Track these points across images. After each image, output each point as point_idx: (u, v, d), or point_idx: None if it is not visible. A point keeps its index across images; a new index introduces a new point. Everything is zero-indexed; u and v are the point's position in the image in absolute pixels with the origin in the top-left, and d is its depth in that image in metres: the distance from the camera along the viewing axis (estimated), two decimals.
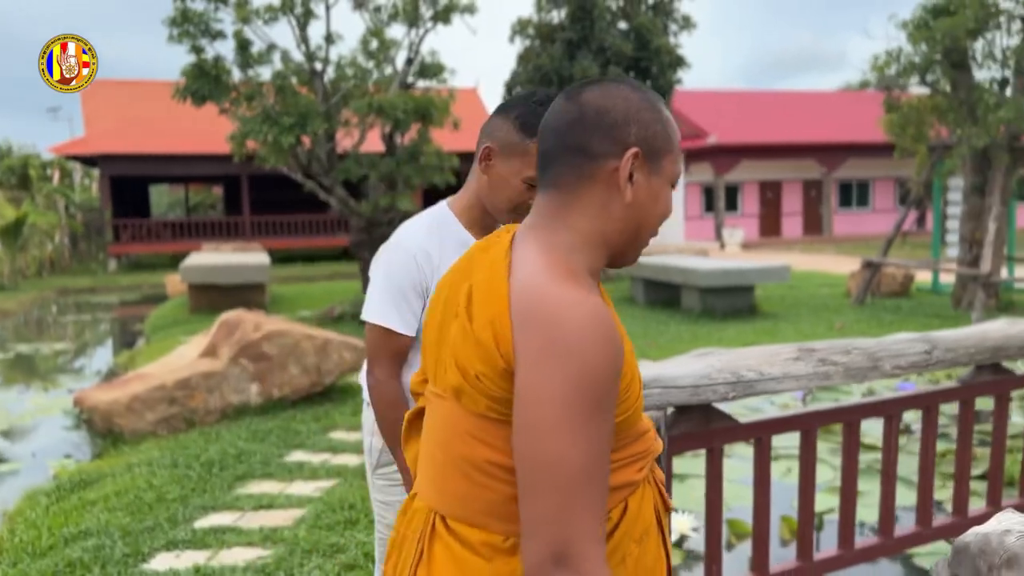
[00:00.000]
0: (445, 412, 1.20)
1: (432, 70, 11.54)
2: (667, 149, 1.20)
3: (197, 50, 10.20)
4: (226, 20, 10.46)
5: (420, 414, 1.43)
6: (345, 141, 11.55)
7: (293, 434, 5.79)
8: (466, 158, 12.51)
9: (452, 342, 1.18)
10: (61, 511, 4.48)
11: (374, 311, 2.00)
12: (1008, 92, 11.26)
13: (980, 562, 1.21)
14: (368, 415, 2.19)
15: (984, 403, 3.76)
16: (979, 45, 11.39)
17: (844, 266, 18.09)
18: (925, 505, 3.01)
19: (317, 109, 10.44)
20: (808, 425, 2.70)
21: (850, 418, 2.80)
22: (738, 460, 5.01)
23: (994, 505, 3.20)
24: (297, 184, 12.25)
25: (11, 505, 4.94)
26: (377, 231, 11.23)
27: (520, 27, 16.68)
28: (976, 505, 3.31)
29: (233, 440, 5.60)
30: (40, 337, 13.50)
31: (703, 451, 2.53)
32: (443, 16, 11.18)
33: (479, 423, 1.15)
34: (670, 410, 2.40)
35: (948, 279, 13.52)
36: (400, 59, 11.66)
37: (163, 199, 40.50)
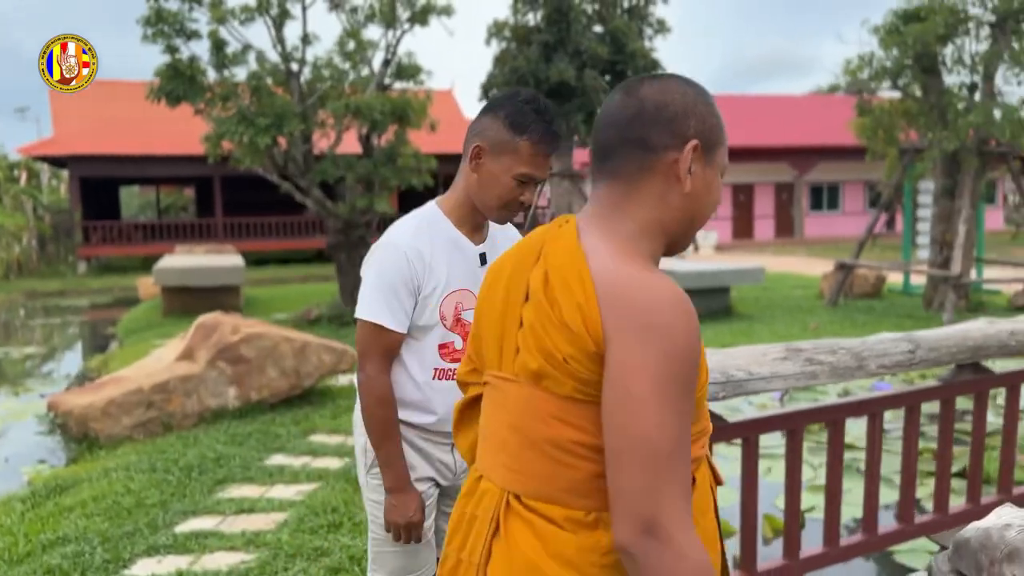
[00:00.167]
0: (519, 396, 1.23)
1: (409, 71, 11.50)
2: (720, 141, 1.27)
3: (172, 50, 10.08)
4: (201, 20, 10.36)
5: (471, 404, 1.46)
6: (321, 142, 11.48)
7: (273, 437, 5.74)
8: (442, 159, 12.51)
9: (529, 327, 1.21)
10: (37, 517, 4.40)
11: (366, 308, 2.01)
12: (977, 97, 11.47)
13: (982, 556, 1.23)
14: (360, 416, 2.18)
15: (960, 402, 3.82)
16: (949, 50, 11.59)
17: (816, 268, 18.31)
18: (907, 502, 3.05)
19: (293, 110, 10.36)
20: (795, 424, 2.73)
21: (835, 417, 2.84)
22: (719, 460, 5.05)
23: (974, 502, 3.25)
24: (270, 186, 12.16)
25: None
26: (354, 233, 11.17)
27: (496, 29, 16.66)
28: (955, 502, 3.36)
29: (212, 444, 5.54)
30: (8, 341, 13.26)
31: None
32: (420, 18, 11.16)
33: (564, 405, 1.18)
34: None
35: (919, 280, 13.74)
36: (377, 60, 11.62)
37: (133, 201, 39.97)
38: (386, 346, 2.02)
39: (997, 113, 10.97)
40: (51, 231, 25.43)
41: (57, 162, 24.85)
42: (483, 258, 2.12)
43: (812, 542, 3.01)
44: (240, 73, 10.68)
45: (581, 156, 23.82)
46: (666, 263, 12.78)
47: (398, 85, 11.80)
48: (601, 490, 1.16)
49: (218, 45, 10.19)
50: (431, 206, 2.13)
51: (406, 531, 2.05)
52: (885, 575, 3.93)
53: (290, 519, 4.18)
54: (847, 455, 4.87)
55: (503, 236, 2.22)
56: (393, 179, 11.09)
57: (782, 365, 2.52)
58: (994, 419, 5.10)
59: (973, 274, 12.20)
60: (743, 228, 29.20)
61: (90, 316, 16.07)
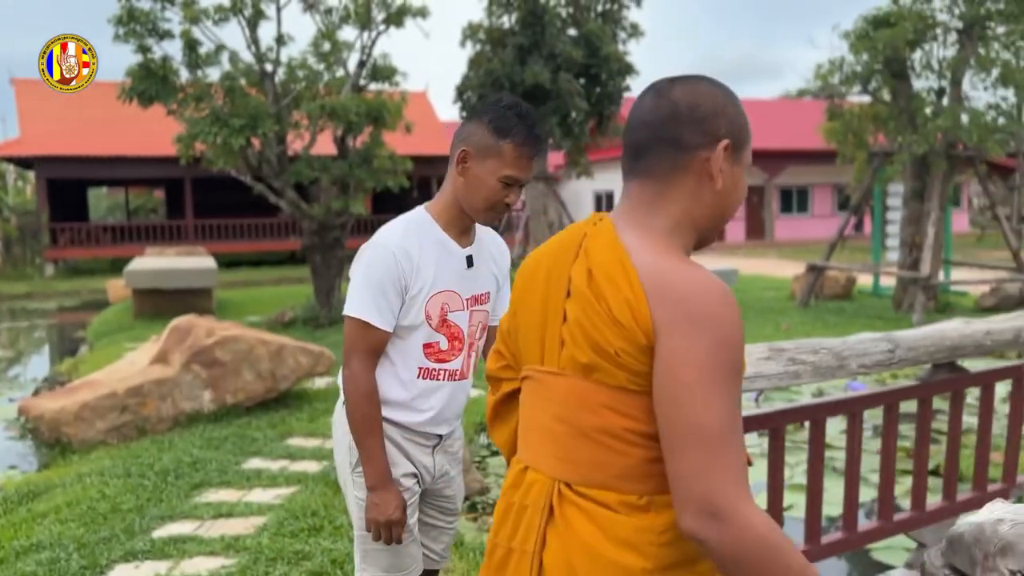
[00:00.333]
0: (567, 388, 1.28)
1: (384, 73, 11.46)
2: (747, 139, 1.32)
3: (144, 50, 9.95)
4: (174, 20, 10.24)
5: (505, 400, 1.51)
6: (296, 144, 11.40)
7: (249, 441, 5.69)
8: (417, 161, 12.47)
9: (575, 322, 1.26)
10: (10, 524, 4.32)
11: (353, 305, 2.05)
12: (945, 101, 11.67)
13: (975, 551, 1.25)
14: (343, 414, 2.18)
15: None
16: (918, 56, 11.79)
17: (787, 270, 18.51)
18: (887, 500, 3.10)
19: (268, 111, 10.28)
20: (777, 423, 2.76)
21: (816, 416, 2.87)
22: None
23: (950, 500, 3.31)
24: (242, 187, 12.05)
25: None
26: (329, 235, 11.10)
27: (471, 31, 16.67)
28: (930, 500, 3.41)
29: (187, 448, 5.48)
30: None
31: None
32: (396, 19, 11.12)
33: (616, 395, 1.23)
34: None
35: (888, 282, 13.94)
36: (352, 61, 11.55)
37: (101, 203, 39.37)
38: (372, 343, 2.05)
39: (964, 118, 11.18)
40: (17, 233, 24.94)
41: (23, 163, 24.42)
42: (470, 260, 2.16)
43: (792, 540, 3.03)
44: (213, 74, 10.58)
45: (555, 159, 23.88)
46: None
47: (373, 86, 11.75)
48: (652, 475, 1.23)
49: (191, 45, 10.08)
50: (419, 210, 2.17)
51: (386, 530, 2.05)
52: (863, 572, 3.99)
53: (269, 523, 4.14)
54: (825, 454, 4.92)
55: (490, 240, 2.27)
56: (369, 181, 11.04)
57: (765, 365, 2.55)
58: (965, 418, 5.18)
59: (941, 276, 12.40)
60: None
61: (58, 319, 15.82)
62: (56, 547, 3.86)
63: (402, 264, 2.03)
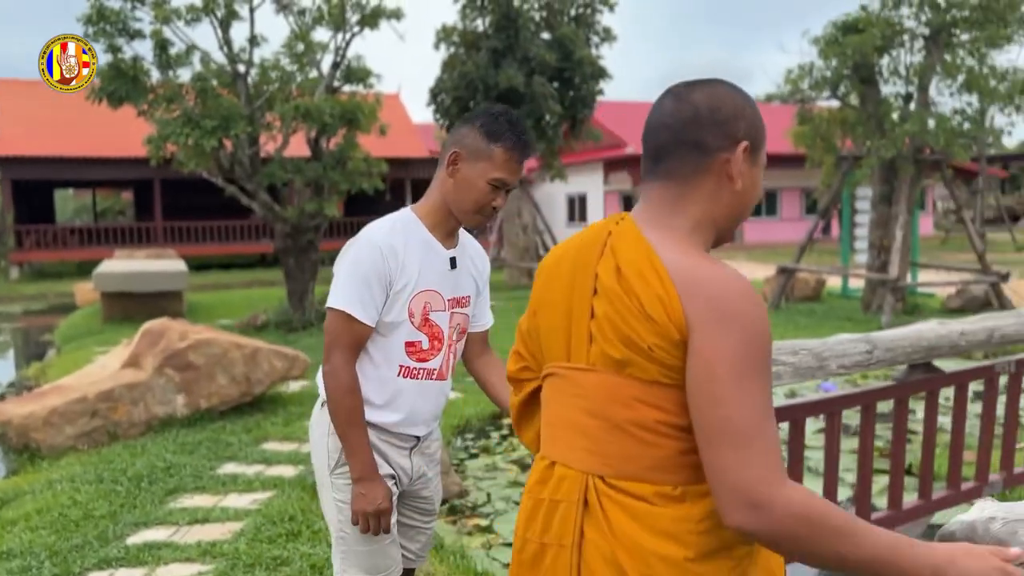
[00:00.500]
0: (598, 383, 1.31)
1: (359, 74, 11.40)
2: (763, 140, 1.37)
3: (114, 50, 9.80)
4: (144, 20, 10.10)
5: (529, 400, 1.54)
6: (268, 145, 11.30)
7: (224, 446, 5.63)
8: (389, 163, 12.42)
9: (605, 318, 1.28)
10: None
11: (338, 298, 2.07)
12: (912, 107, 11.87)
13: None
14: (321, 416, 2.17)
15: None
16: (885, 61, 11.98)
17: (757, 272, 18.68)
18: (864, 499, 3.14)
19: (240, 112, 10.17)
20: None
21: (796, 416, 2.90)
22: None
23: (925, 498, 3.36)
24: (213, 189, 11.93)
25: None
26: (303, 237, 11.01)
27: (445, 34, 16.64)
28: (906, 498, 3.46)
29: (160, 453, 5.40)
30: None
31: None
32: (370, 21, 11.06)
33: (649, 389, 1.26)
34: None
35: (857, 284, 14.13)
36: (326, 63, 11.48)
37: (68, 205, 38.76)
38: (354, 337, 2.07)
39: (931, 123, 11.37)
40: None
41: None
42: (453, 262, 2.19)
43: None
44: (185, 74, 10.45)
45: (529, 162, 23.90)
46: None
47: (347, 88, 11.69)
48: (685, 466, 1.26)
49: (162, 45, 9.95)
50: (406, 211, 2.20)
51: (375, 519, 2.06)
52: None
53: (246, 528, 4.10)
54: None
55: (471, 245, 2.31)
56: (343, 183, 10.97)
57: None
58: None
59: (909, 278, 12.60)
60: None
61: (24, 323, 15.53)
62: (27, 555, 3.78)
63: (388, 260, 2.05)
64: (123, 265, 13.69)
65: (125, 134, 19.63)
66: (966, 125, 11.81)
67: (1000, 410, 3.64)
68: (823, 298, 13.86)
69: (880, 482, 3.71)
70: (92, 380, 6.14)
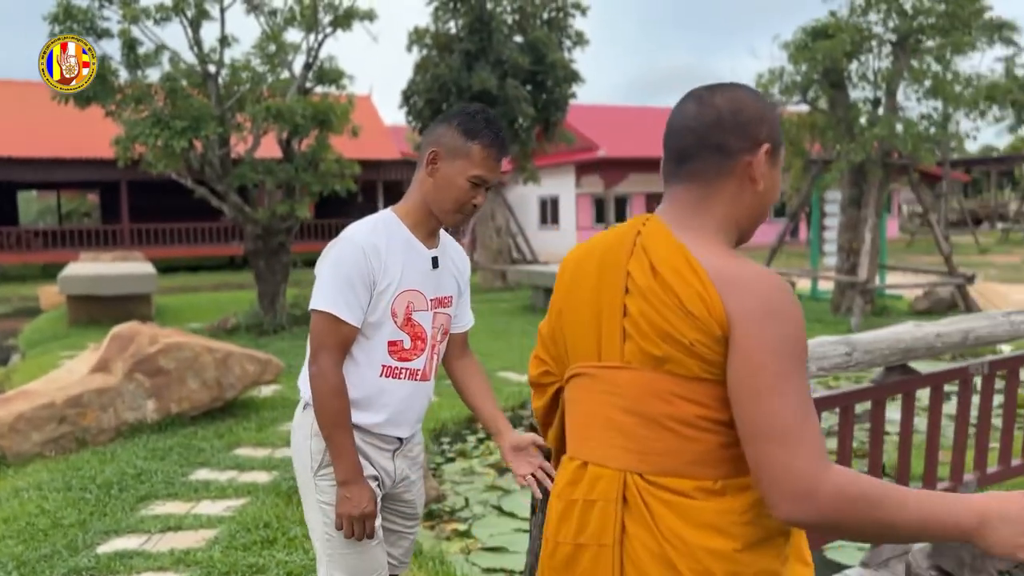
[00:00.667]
0: (634, 380, 1.32)
1: (331, 75, 11.31)
2: (782, 142, 1.41)
3: None
4: (112, 18, 9.94)
5: (553, 402, 1.55)
6: (239, 146, 11.17)
7: (196, 451, 5.54)
8: (362, 165, 12.34)
9: (641, 316, 1.30)
10: None
11: (322, 299, 2.04)
12: (880, 111, 12.04)
13: (963, 552, 1.28)
14: (304, 419, 2.14)
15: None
16: (854, 67, 12.14)
17: None
18: None
19: (211, 113, 10.04)
20: None
21: None
22: None
23: None
24: (181, 190, 11.76)
25: None
26: (274, 239, 10.89)
27: (417, 36, 16.59)
28: None
29: (130, 459, 5.30)
30: None
31: None
32: (343, 22, 10.98)
33: (688, 384, 1.27)
34: None
35: (827, 286, 14.29)
36: (298, 64, 11.37)
37: (32, 206, 38.05)
38: (341, 338, 2.05)
39: (899, 127, 11.55)
40: None
41: None
42: (435, 262, 2.18)
43: None
44: (154, 74, 10.30)
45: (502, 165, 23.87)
46: None
47: (319, 89, 11.59)
48: (725, 460, 1.28)
49: (130, 45, 9.79)
50: (386, 212, 2.19)
51: (359, 523, 2.03)
52: (817, 572, 4.06)
53: (221, 536, 4.03)
54: None
55: (451, 246, 2.30)
56: (315, 184, 10.87)
57: None
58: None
59: (877, 280, 12.78)
60: None
61: None
62: None
63: (371, 259, 2.04)
64: (90, 268, 13.46)
65: (91, 135, 19.33)
66: (932, 130, 12.01)
67: (973, 412, 3.68)
68: None
69: None
70: (60, 385, 6.02)
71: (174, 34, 19.12)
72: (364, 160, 14.93)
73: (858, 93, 12.35)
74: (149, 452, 5.47)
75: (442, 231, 2.24)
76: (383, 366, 2.10)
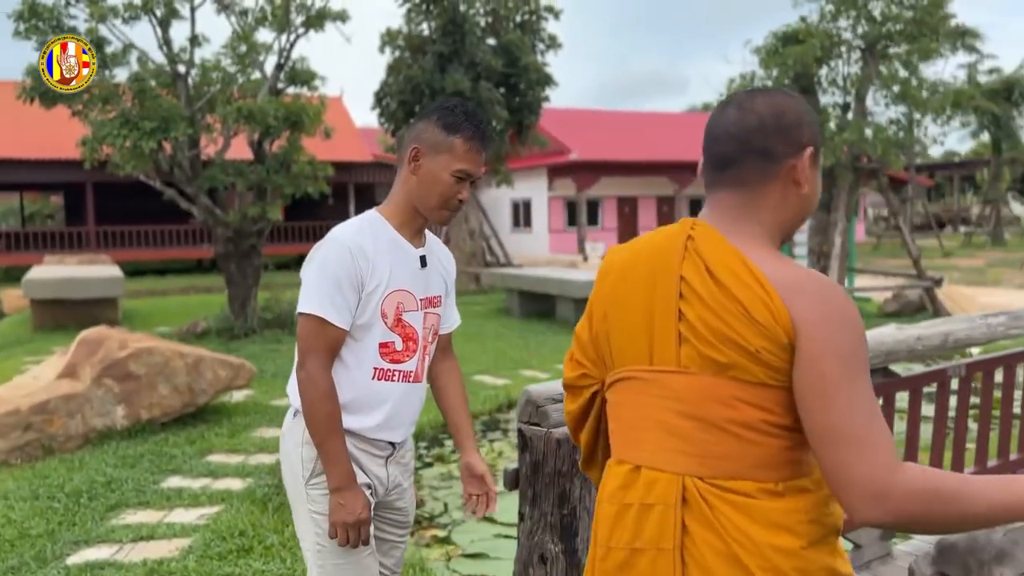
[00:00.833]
0: (692, 384, 1.31)
1: (303, 76, 11.21)
2: (820, 144, 1.41)
3: None
4: (79, 17, 9.76)
5: (588, 405, 1.55)
6: (209, 148, 11.02)
7: (167, 459, 5.44)
8: (334, 167, 12.24)
9: (700, 321, 1.29)
10: None
11: (308, 302, 1.99)
12: (850, 116, 12.20)
13: (969, 559, 1.27)
14: (294, 426, 2.09)
15: None
16: (824, 72, 12.30)
17: None
18: None
19: (181, 113, 9.89)
20: None
21: None
22: None
23: None
24: (148, 192, 11.59)
25: None
26: (245, 242, 10.75)
27: (390, 38, 16.52)
28: None
29: (100, 467, 5.19)
30: None
31: None
32: (315, 22, 10.89)
33: (752, 389, 1.27)
34: None
35: None
36: (269, 64, 11.26)
37: None
38: (329, 342, 2.00)
39: (868, 132, 11.71)
40: None
41: None
42: (423, 260, 2.15)
43: None
44: (122, 74, 10.13)
45: None
46: (564, 273, 12.92)
47: (291, 90, 11.48)
48: (787, 462, 1.29)
49: (98, 44, 9.61)
50: (371, 212, 2.15)
51: (354, 530, 1.98)
52: None
53: (195, 545, 3.95)
54: None
55: (437, 245, 2.26)
56: (287, 186, 10.76)
57: None
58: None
59: (847, 283, 12.94)
60: (628, 239, 29.86)
61: None
62: None
63: (358, 260, 1.99)
64: (55, 271, 13.20)
65: (56, 135, 18.96)
66: (900, 134, 12.19)
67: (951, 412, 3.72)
68: None
69: None
70: (25, 392, 5.87)
71: (143, 33, 18.83)
72: (336, 162, 14.82)
73: (828, 98, 12.51)
74: (119, 459, 5.36)
75: (427, 231, 2.21)
76: (375, 368, 2.06)
